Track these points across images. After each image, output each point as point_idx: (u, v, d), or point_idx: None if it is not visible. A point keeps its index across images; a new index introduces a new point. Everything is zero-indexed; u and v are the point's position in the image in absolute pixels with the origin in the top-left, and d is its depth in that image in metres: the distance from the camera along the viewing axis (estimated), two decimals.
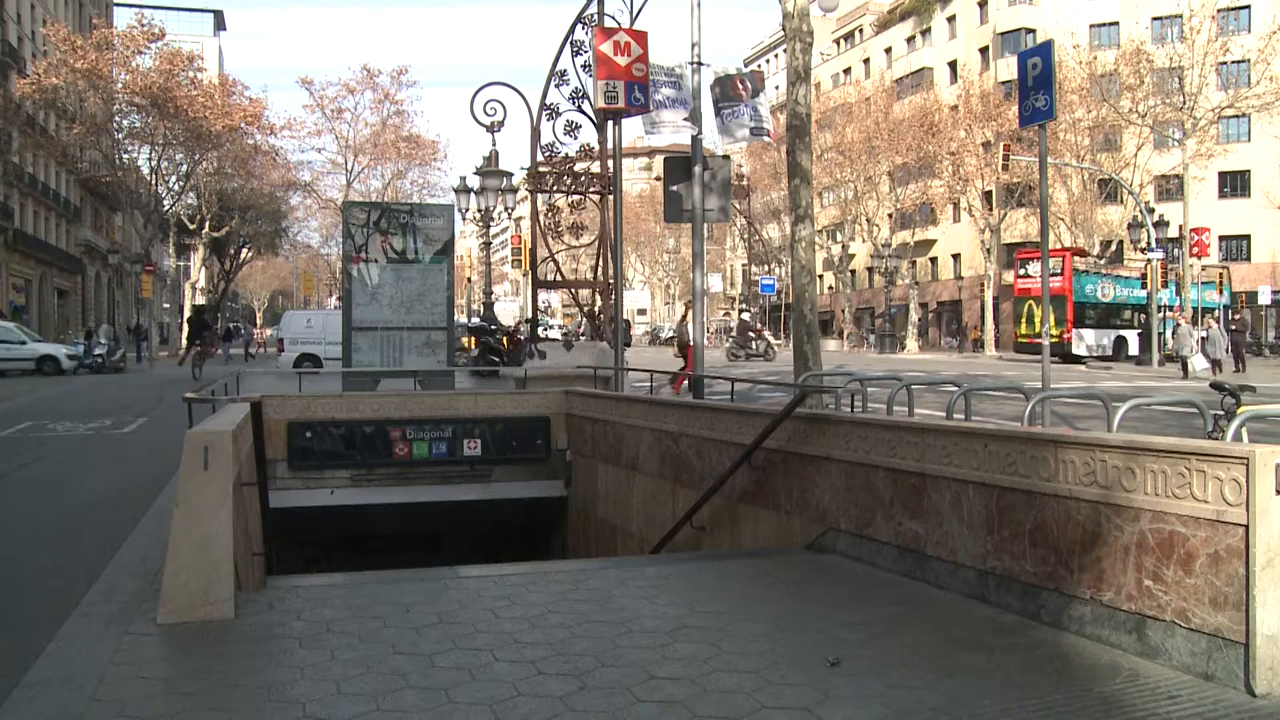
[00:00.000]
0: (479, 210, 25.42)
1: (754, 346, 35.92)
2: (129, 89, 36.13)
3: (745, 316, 43.84)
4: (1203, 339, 26.30)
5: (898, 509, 5.52)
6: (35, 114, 39.23)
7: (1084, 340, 33.41)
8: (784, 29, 10.59)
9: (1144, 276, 31.69)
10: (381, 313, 13.15)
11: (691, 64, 11.95)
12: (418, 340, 13.28)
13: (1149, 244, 30.90)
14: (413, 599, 5.07)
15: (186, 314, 47.84)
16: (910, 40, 61.25)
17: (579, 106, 13.65)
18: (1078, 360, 32.25)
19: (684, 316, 20.83)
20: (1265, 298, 41.69)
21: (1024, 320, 34.58)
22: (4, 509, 7.79)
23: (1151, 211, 32.36)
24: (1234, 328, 28.45)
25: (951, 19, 57.70)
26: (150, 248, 43.02)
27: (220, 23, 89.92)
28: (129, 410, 16.43)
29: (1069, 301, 32.62)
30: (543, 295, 52.89)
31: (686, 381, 15.93)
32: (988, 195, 45.08)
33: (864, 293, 61.53)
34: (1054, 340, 28.45)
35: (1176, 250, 35.04)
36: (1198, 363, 25.14)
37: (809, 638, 4.36)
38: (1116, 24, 47.76)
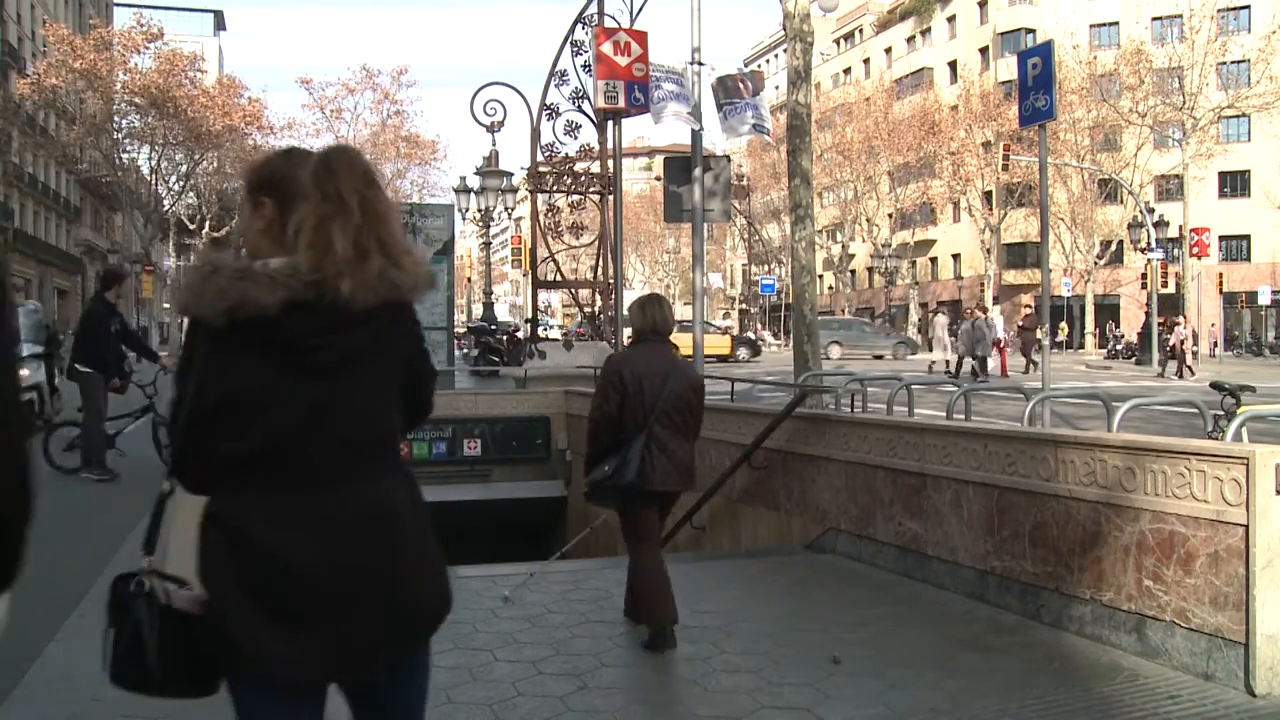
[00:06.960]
0: (479, 210, 25.39)
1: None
2: (128, 89, 36.13)
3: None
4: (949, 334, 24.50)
5: (897, 509, 5.52)
6: (35, 114, 39.21)
7: None
8: (784, 29, 10.59)
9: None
10: None
11: (692, 64, 11.94)
12: None
13: (1149, 244, 30.88)
14: None
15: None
16: (910, 40, 61.21)
17: (579, 106, 13.65)
18: None
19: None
20: (1265, 298, 41.62)
21: None
22: None
23: (1151, 211, 32.33)
24: (1023, 324, 26.76)
25: (951, 19, 57.66)
26: (150, 248, 42.98)
27: (220, 23, 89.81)
28: (128, 409, 16.37)
29: None
30: (543, 295, 52.84)
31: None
32: (988, 195, 45.09)
33: (864, 293, 61.49)
34: None
35: (1176, 250, 35.00)
36: (939, 365, 23.58)
37: (809, 638, 4.36)
38: (1116, 24, 47.71)
